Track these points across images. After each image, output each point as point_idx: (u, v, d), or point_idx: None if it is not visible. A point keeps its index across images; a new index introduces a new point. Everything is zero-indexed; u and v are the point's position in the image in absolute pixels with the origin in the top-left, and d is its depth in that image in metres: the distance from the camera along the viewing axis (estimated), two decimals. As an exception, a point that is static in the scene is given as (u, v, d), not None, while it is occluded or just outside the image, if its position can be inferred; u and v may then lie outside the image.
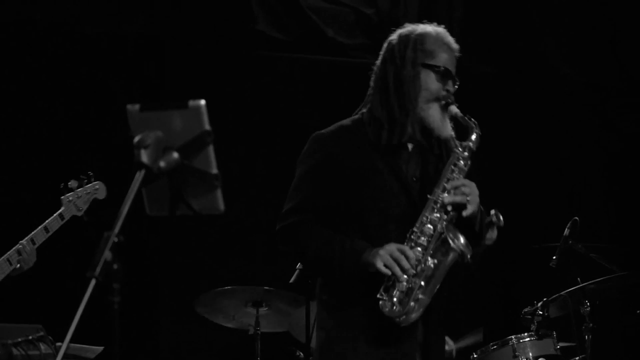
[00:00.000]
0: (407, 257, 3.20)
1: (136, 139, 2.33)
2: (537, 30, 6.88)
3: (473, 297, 6.62)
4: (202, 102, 2.37)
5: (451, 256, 3.24)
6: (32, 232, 4.58)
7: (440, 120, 3.38)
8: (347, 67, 6.50)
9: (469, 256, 3.25)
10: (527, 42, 6.88)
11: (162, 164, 2.34)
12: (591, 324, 4.96)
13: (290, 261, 4.55)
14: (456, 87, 3.48)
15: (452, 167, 3.34)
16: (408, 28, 3.49)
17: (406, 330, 3.26)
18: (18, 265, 4.52)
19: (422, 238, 3.27)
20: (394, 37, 3.50)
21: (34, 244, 4.57)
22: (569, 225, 5.12)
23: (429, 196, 3.30)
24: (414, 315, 3.22)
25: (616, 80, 7.11)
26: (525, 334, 4.88)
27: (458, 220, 3.31)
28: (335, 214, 3.36)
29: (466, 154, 3.37)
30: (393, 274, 3.19)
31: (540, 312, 4.84)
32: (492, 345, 4.93)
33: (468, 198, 3.28)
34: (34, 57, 5.84)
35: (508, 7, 6.84)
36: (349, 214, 3.35)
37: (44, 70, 5.86)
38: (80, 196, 4.72)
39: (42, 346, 4.02)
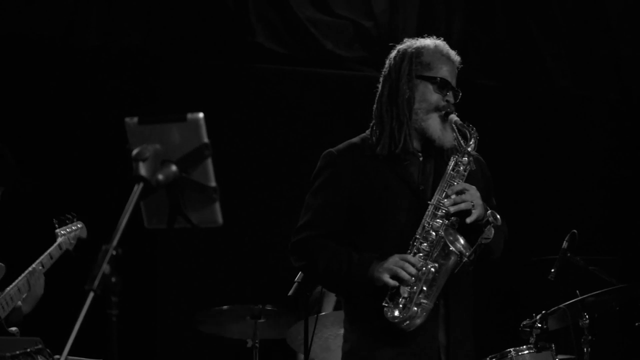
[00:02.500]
0: (410, 263, 3.28)
1: (134, 151, 2.33)
2: (537, 43, 6.89)
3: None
4: (201, 115, 2.37)
5: (452, 259, 3.31)
6: (40, 258, 4.77)
7: (440, 131, 3.46)
8: (345, 79, 6.52)
9: (467, 255, 3.30)
10: (527, 54, 6.90)
11: (160, 176, 2.34)
12: (590, 337, 4.95)
13: (292, 275, 4.59)
14: (458, 97, 3.56)
15: (452, 172, 3.42)
16: (407, 43, 3.58)
17: (428, 335, 3.36)
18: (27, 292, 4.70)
19: (424, 244, 3.34)
20: (393, 53, 3.58)
21: (43, 267, 4.76)
22: (567, 237, 5.12)
23: (429, 202, 3.38)
24: (418, 321, 3.30)
25: (616, 93, 7.12)
26: (524, 346, 4.87)
27: (462, 225, 3.37)
28: (347, 227, 3.47)
29: (465, 158, 3.44)
30: (401, 279, 3.27)
31: (539, 325, 4.83)
32: (491, 358, 4.92)
33: (472, 203, 3.34)
34: (28, 71, 5.83)
35: (507, 20, 6.86)
36: (359, 227, 3.45)
37: (38, 84, 5.85)
38: (69, 232, 4.96)
39: (40, 359, 4.02)
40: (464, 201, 3.35)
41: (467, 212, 3.35)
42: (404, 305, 3.29)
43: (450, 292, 3.41)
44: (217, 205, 2.42)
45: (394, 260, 3.30)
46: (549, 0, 6.96)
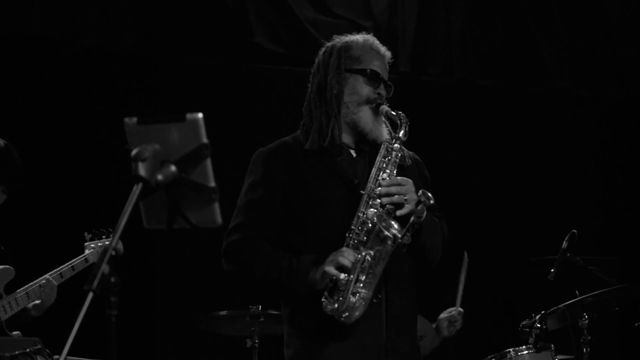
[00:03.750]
0: (343, 257, 3.19)
1: (134, 152, 2.33)
2: (536, 43, 6.89)
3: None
4: (200, 115, 2.38)
5: (388, 244, 3.22)
6: (60, 267, 4.72)
7: (372, 123, 3.41)
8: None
9: (400, 237, 3.22)
10: (526, 55, 6.90)
11: (159, 177, 2.34)
12: (589, 337, 4.95)
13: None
14: (391, 91, 3.48)
15: (383, 159, 3.36)
16: (336, 40, 3.54)
17: (371, 330, 3.28)
18: (38, 300, 4.66)
19: (360, 234, 3.26)
20: (322, 50, 3.55)
21: (62, 277, 4.71)
22: (567, 238, 5.13)
23: (362, 192, 3.32)
24: (357, 313, 3.21)
25: (615, 93, 7.12)
26: (524, 346, 4.88)
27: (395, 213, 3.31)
28: (281, 225, 3.39)
29: (397, 145, 3.37)
30: (342, 266, 3.19)
31: (539, 325, 4.84)
32: (491, 358, 4.93)
33: (405, 197, 3.27)
34: (27, 71, 5.83)
35: (507, 20, 6.86)
36: (294, 224, 3.38)
37: (37, 84, 5.85)
38: (101, 246, 4.88)
39: (40, 359, 4.02)
40: (398, 193, 3.27)
41: (400, 205, 3.28)
42: (342, 297, 3.19)
43: (391, 286, 3.33)
44: (217, 206, 2.42)
45: (330, 258, 3.22)
46: (549, 1, 6.96)
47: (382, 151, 3.37)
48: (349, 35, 3.54)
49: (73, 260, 4.77)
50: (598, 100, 7.19)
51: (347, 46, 3.47)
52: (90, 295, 2.17)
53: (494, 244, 6.73)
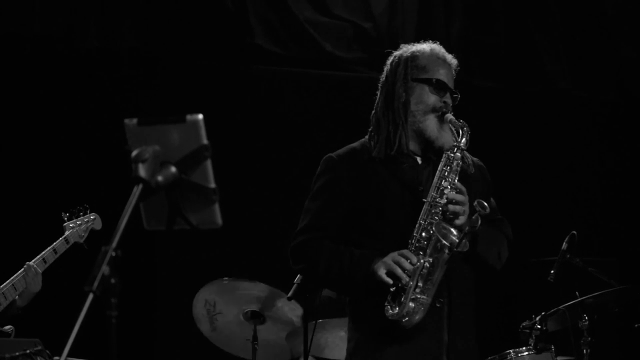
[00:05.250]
0: (405, 257, 3.31)
1: (134, 153, 2.33)
2: (536, 44, 6.89)
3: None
4: (200, 116, 2.38)
5: (445, 252, 3.33)
6: (42, 253, 4.75)
7: (438, 131, 3.49)
8: (344, 81, 6.51)
9: (456, 246, 3.32)
10: (526, 56, 6.90)
11: (159, 178, 2.34)
12: (589, 338, 4.95)
13: (294, 276, 4.60)
14: (457, 100, 3.59)
15: (444, 168, 3.44)
16: (403, 48, 3.62)
17: (432, 333, 3.39)
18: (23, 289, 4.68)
19: (421, 241, 3.36)
20: (389, 59, 3.62)
21: (45, 263, 4.74)
22: (567, 239, 5.12)
23: (424, 200, 3.41)
24: (417, 317, 3.32)
25: (615, 94, 7.12)
26: (524, 348, 4.87)
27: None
28: (348, 230, 3.49)
29: (458, 154, 3.46)
30: (396, 276, 3.30)
31: (539, 326, 4.83)
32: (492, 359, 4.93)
33: (464, 209, 3.36)
34: (27, 71, 5.83)
35: (506, 21, 6.86)
36: (360, 230, 3.48)
37: (37, 85, 5.85)
38: (80, 224, 4.91)
39: (40, 360, 4.02)
40: (459, 203, 3.36)
41: (458, 214, 3.37)
42: (401, 302, 3.30)
43: (454, 290, 3.45)
44: (217, 207, 2.43)
45: (391, 256, 3.33)
46: (548, 2, 6.96)
47: (444, 160, 3.45)
48: (415, 44, 3.62)
49: (54, 243, 4.79)
50: (598, 101, 7.19)
51: (414, 56, 3.55)
52: (91, 296, 2.17)
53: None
